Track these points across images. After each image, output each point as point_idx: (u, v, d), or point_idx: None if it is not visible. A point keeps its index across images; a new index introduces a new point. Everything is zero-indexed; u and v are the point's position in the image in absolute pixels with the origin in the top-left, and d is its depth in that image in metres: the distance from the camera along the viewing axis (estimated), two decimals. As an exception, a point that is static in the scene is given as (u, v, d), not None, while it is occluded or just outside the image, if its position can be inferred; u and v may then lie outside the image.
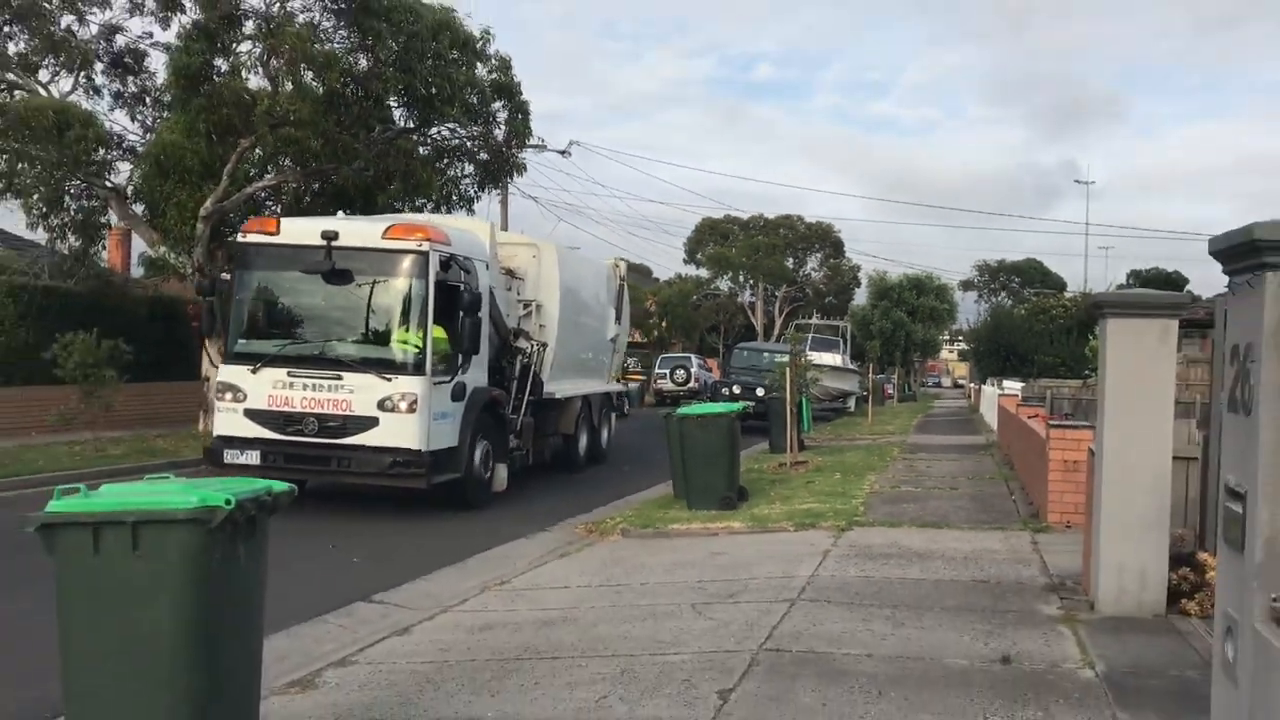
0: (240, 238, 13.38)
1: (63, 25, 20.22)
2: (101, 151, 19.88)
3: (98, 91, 21.48)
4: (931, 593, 8.16)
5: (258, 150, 20.15)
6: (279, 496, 4.72)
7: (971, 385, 61.41)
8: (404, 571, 9.62)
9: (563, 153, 35.86)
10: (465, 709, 5.62)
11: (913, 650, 6.55)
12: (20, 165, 19.23)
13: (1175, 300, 7.71)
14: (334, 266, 12.25)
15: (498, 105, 22.95)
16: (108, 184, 20.49)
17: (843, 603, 7.80)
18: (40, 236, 21.73)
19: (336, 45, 20.15)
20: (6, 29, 19.82)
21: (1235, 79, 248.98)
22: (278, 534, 4.90)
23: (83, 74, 20.84)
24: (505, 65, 22.59)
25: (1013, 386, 29.28)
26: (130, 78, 21.82)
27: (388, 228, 12.68)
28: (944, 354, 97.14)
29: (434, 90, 20.63)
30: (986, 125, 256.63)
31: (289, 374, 12.37)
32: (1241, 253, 3.72)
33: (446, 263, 12.64)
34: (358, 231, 12.80)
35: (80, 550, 4.27)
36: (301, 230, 12.85)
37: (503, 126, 23.35)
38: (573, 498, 14.79)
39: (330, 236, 12.19)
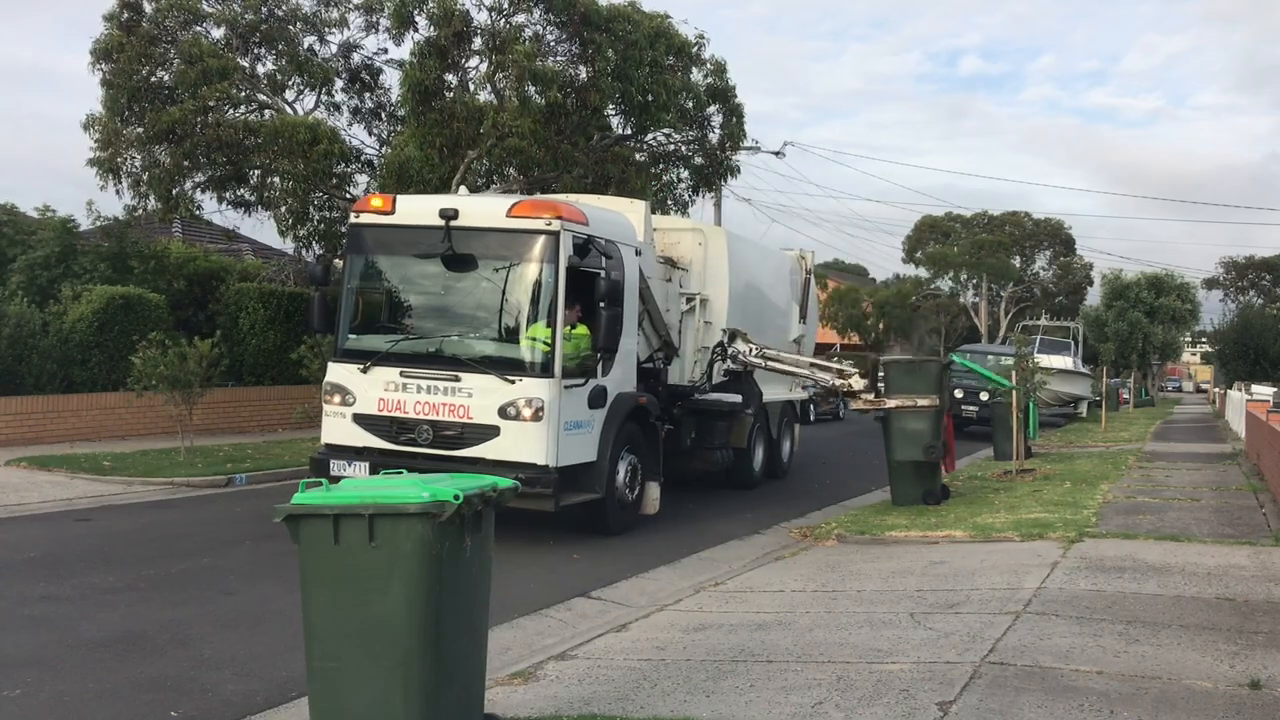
0: (353, 218, 11.98)
1: (305, 46, 21.55)
2: (343, 165, 21.09)
3: (337, 108, 22.78)
4: (1170, 609, 7.70)
5: (484, 161, 20.90)
6: (504, 492, 4.93)
7: (1216, 390, 57.77)
8: (621, 569, 9.81)
9: (777, 154, 35.73)
10: (681, 708, 5.68)
11: (1148, 669, 6.21)
12: (270, 179, 20.63)
13: None
14: (453, 249, 10.89)
15: (712, 109, 23.07)
16: (347, 195, 21.70)
17: (1071, 616, 7.46)
18: (287, 246, 23.29)
19: (558, 58, 20.71)
20: (257, 51, 21.28)
21: None
22: (501, 529, 5.08)
23: (324, 91, 22.15)
24: (720, 69, 22.68)
25: (1263, 391, 27.39)
26: (367, 94, 23.07)
27: (513, 204, 11.14)
28: (1185, 357, 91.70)
29: (650, 97, 20.91)
30: (1226, 113, 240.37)
31: (401, 374, 10.91)
32: None
33: (583, 246, 11.06)
34: (481, 210, 11.38)
35: (321, 539, 4.57)
36: (419, 209, 11.49)
37: (717, 130, 23.46)
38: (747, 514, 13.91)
39: (449, 215, 10.83)
